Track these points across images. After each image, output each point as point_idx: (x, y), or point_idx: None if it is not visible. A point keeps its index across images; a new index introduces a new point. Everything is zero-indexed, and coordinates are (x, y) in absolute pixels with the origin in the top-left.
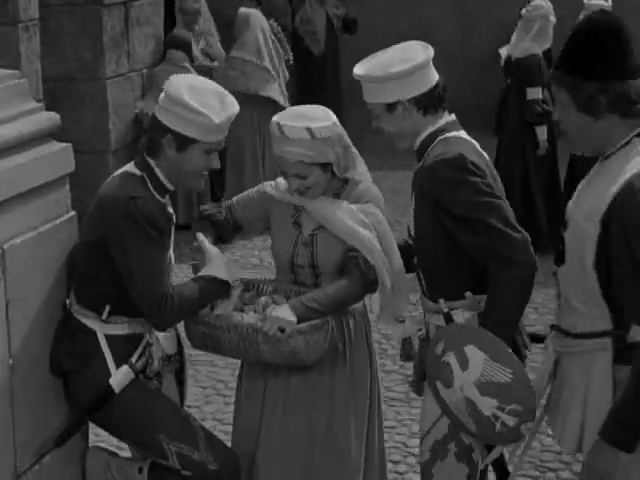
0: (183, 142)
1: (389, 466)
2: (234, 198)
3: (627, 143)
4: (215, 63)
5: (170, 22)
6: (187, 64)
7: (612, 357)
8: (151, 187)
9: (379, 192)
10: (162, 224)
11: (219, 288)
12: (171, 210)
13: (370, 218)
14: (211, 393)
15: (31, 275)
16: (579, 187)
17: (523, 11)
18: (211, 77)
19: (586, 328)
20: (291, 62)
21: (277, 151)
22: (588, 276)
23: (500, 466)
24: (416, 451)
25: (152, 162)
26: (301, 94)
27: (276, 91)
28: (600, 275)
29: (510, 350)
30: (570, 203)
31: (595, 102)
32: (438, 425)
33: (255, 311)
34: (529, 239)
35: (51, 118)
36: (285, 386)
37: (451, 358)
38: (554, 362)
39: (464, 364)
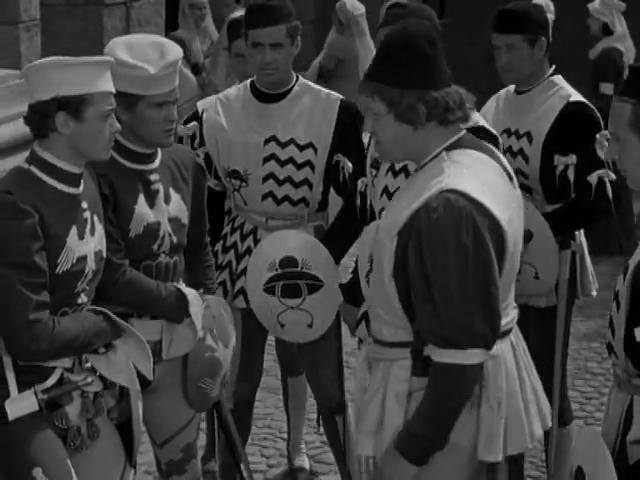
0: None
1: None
2: None
3: (435, 156)
4: None
5: (173, 25)
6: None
7: (410, 368)
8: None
9: None
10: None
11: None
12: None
13: None
14: None
15: None
16: (394, 196)
17: None
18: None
19: (389, 337)
20: None
21: None
22: (387, 286)
23: None
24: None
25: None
26: None
27: None
28: (398, 287)
29: None
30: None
31: (415, 111)
32: None
33: None
34: None
35: None
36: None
37: None
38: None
39: None
